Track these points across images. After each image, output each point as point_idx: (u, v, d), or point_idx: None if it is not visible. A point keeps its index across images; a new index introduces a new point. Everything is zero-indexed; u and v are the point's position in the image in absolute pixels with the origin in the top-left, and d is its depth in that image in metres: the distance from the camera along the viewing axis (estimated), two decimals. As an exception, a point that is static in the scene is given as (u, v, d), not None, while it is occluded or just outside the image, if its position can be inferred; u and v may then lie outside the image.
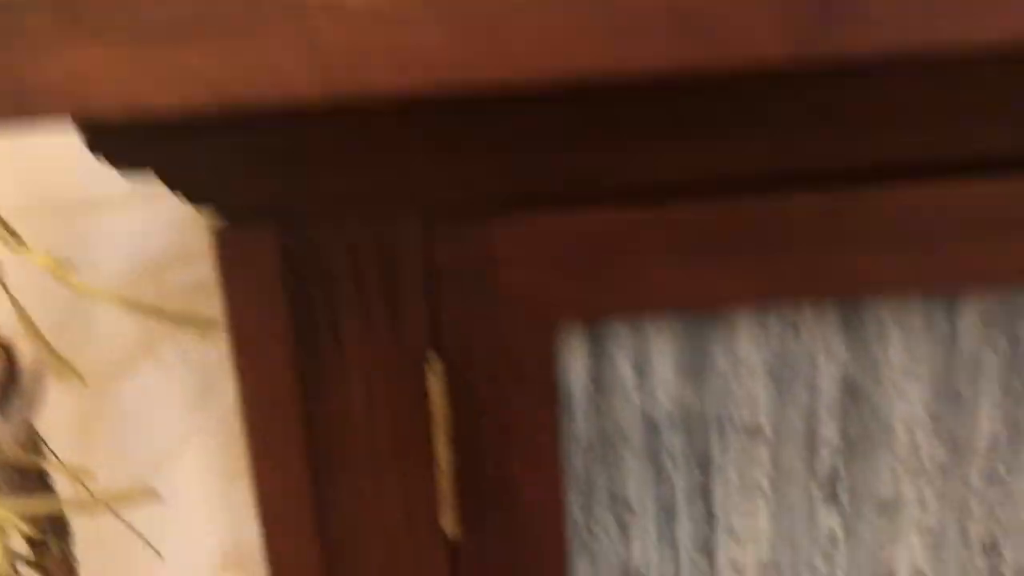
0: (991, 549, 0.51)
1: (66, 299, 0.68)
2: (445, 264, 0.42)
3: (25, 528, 0.48)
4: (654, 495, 0.48)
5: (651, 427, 0.47)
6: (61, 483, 0.58)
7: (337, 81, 0.32)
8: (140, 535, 0.59)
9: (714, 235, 0.42)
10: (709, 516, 0.49)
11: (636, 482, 0.48)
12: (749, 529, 0.49)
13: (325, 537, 0.44)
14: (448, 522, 0.44)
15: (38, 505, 0.49)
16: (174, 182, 0.40)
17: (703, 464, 0.48)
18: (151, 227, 0.71)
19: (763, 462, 0.48)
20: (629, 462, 0.47)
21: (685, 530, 0.49)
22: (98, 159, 0.39)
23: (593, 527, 0.48)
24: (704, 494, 0.48)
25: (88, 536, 0.60)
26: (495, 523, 0.45)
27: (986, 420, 0.49)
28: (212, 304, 0.63)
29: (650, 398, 0.47)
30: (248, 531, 0.77)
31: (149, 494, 0.53)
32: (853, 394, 0.47)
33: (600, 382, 0.46)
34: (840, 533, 0.50)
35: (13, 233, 0.54)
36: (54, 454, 0.55)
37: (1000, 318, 0.47)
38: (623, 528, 0.48)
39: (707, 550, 0.49)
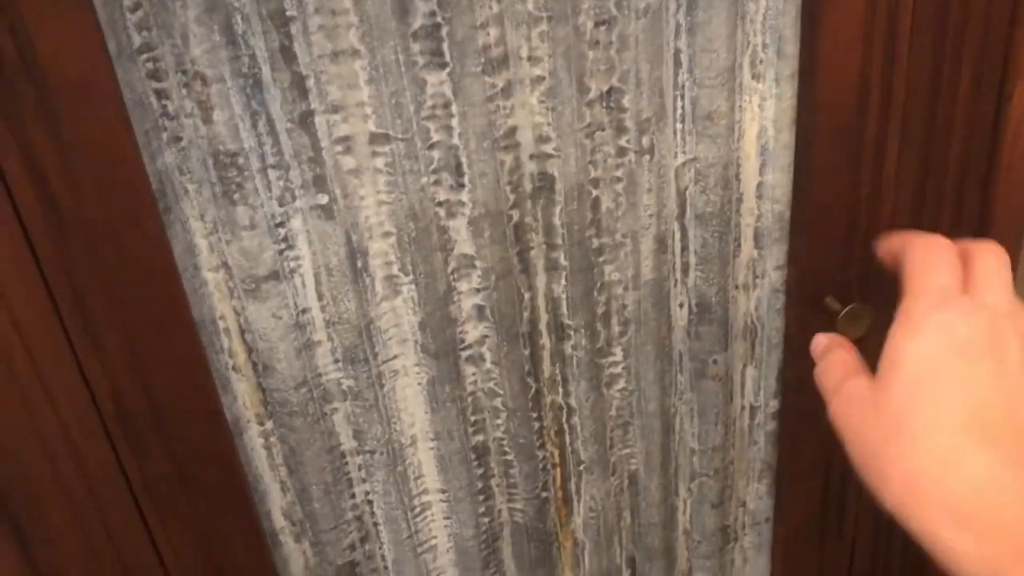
0: (608, 98, 0.49)
1: None
2: None
3: None
4: (231, 66, 0.43)
5: (210, -18, 0.41)
6: None
7: None
8: None
9: None
10: (300, 85, 0.44)
11: (207, 51, 0.42)
12: (349, 98, 0.45)
13: None
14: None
15: None
16: None
17: (280, 24, 0.42)
18: None
19: (350, 18, 0.43)
20: (193, 28, 0.41)
21: (275, 103, 0.44)
22: None
23: (170, 108, 0.43)
24: (288, 59, 0.43)
25: None
26: (21, 94, 0.38)
27: (590, -48, 0.45)
28: None
29: (200, -55, 0.40)
30: None
31: None
32: (440, -72, 0.42)
33: (133, -73, 0.39)
34: (450, 94, 0.46)
35: None
36: None
37: None
38: (205, 108, 0.43)
39: (305, 124, 0.45)
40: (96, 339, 0.45)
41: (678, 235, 0.55)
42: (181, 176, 0.44)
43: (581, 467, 0.61)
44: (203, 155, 0.44)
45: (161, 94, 0.43)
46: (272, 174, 0.46)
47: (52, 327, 0.44)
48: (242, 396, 0.52)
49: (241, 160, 0.45)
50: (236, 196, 0.45)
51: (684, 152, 0.52)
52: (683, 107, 0.51)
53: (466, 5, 0.44)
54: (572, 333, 0.56)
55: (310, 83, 0.44)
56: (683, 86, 0.51)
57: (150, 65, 0.42)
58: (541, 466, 0.60)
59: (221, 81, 0.43)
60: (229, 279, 0.48)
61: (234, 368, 0.51)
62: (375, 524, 0.59)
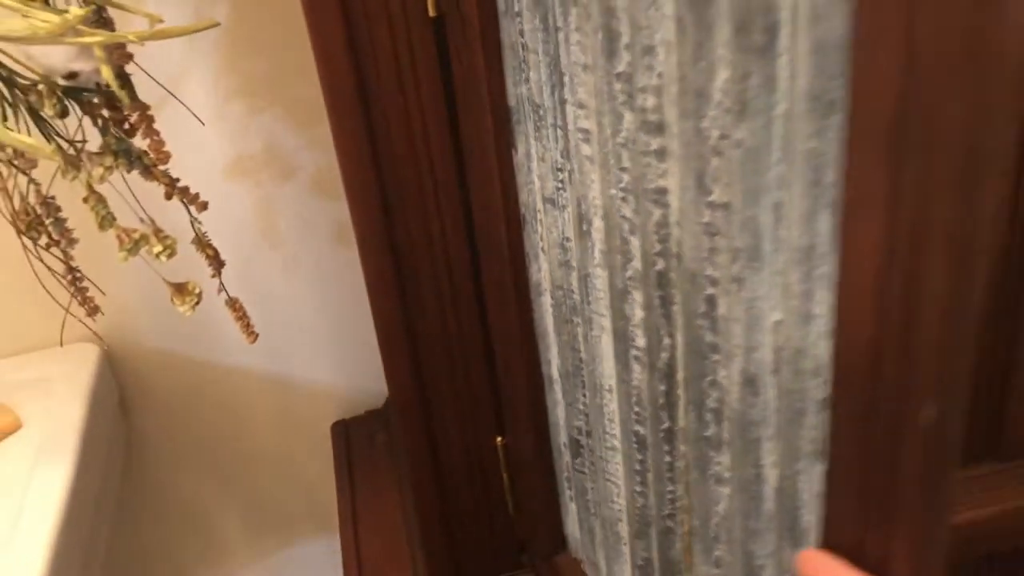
0: None
1: None
2: None
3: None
4: (543, 45, 0.55)
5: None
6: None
7: None
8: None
9: None
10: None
11: (530, 29, 0.55)
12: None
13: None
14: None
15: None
16: None
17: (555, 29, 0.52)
18: None
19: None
20: (528, 6, 0.55)
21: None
22: None
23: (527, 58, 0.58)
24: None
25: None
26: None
27: None
28: None
29: None
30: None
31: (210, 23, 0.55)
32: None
33: None
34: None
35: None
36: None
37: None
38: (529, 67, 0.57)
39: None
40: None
41: None
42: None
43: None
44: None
45: (523, 46, 0.58)
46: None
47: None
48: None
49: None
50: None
51: None
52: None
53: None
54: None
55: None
56: None
57: (518, 22, 0.57)
58: None
59: (535, 53, 0.56)
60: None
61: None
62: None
